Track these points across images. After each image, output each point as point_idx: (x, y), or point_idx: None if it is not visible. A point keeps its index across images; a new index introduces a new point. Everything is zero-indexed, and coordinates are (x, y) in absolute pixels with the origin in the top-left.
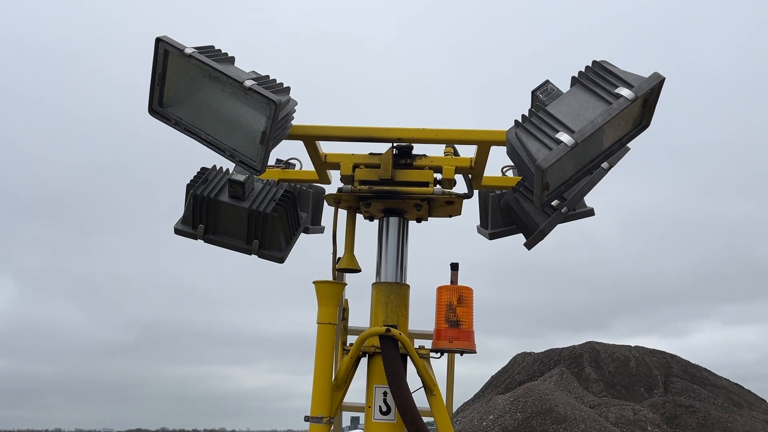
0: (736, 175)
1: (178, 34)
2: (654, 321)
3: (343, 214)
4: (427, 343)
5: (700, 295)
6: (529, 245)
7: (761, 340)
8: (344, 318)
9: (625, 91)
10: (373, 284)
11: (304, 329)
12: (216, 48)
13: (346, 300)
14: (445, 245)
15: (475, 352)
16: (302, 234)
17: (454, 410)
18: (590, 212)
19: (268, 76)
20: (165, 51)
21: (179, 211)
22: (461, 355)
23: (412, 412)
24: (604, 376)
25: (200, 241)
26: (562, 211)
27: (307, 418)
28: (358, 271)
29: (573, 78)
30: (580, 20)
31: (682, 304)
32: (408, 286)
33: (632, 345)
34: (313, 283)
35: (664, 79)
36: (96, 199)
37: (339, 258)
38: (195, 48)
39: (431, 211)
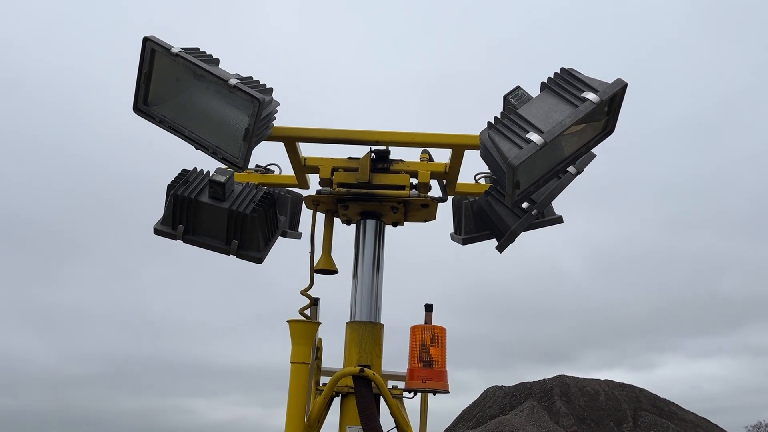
0: (699, 210)
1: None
2: (621, 354)
3: (321, 217)
4: (401, 383)
5: (666, 328)
6: (500, 248)
7: (726, 374)
8: (318, 357)
9: (590, 95)
10: (347, 323)
11: (273, 362)
12: (201, 50)
13: (320, 339)
14: (417, 278)
15: (447, 392)
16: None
17: None
18: (559, 219)
19: (251, 77)
20: (152, 50)
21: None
22: (434, 395)
23: None
24: (574, 410)
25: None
26: (533, 213)
27: None
28: (335, 272)
29: (542, 83)
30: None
31: (648, 337)
32: (382, 325)
33: (602, 379)
34: (288, 322)
35: (626, 84)
36: (59, 227)
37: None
38: (182, 48)
39: (407, 215)
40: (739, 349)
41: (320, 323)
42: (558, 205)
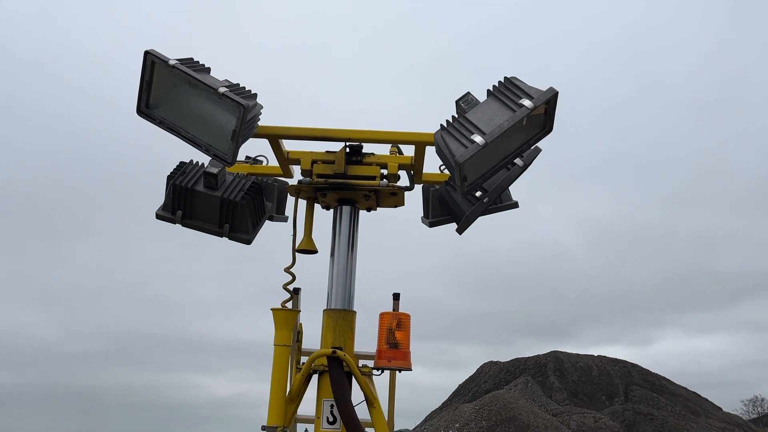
0: (699, 187)
1: (155, 38)
2: (618, 329)
3: (302, 203)
4: (371, 362)
5: (664, 304)
6: (459, 230)
7: (724, 349)
8: (298, 340)
9: (526, 102)
10: (324, 311)
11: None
12: (195, 60)
13: (301, 324)
14: (421, 254)
15: (410, 369)
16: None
17: (422, 419)
18: (515, 205)
19: (238, 84)
20: (152, 62)
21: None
22: (399, 372)
23: (354, 422)
24: (567, 384)
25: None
26: (484, 200)
27: (263, 428)
28: (315, 252)
29: (488, 90)
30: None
31: (645, 313)
32: (354, 312)
33: (595, 354)
34: (271, 310)
35: (557, 92)
36: (61, 204)
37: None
38: (177, 60)
39: (378, 202)
40: (738, 324)
41: (299, 311)
42: (560, 181)
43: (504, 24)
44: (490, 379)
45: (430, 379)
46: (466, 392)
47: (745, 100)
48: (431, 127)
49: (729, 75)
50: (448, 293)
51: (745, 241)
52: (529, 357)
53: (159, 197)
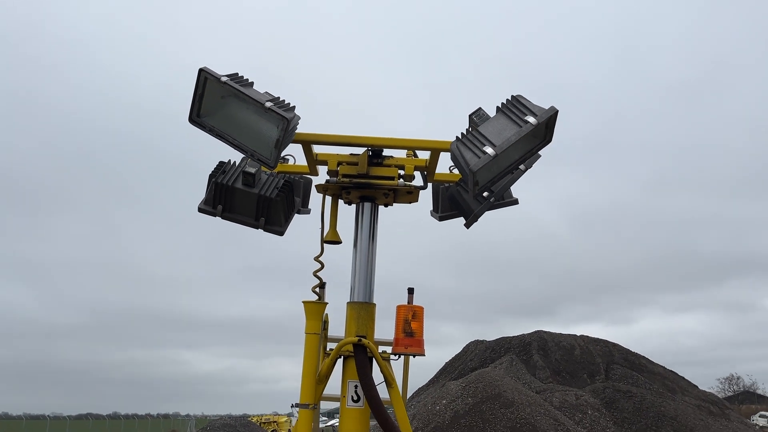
0: (680, 172)
1: (150, 22)
2: (601, 309)
3: (328, 200)
4: (389, 348)
5: (645, 285)
6: (467, 225)
7: (700, 328)
8: (325, 329)
9: (531, 119)
10: (347, 303)
11: (259, 314)
12: (240, 75)
13: (327, 314)
14: (417, 237)
15: (424, 355)
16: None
17: (410, 395)
18: (515, 201)
19: (279, 97)
20: (205, 78)
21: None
22: (414, 357)
23: (376, 400)
24: (550, 363)
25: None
26: (491, 200)
27: (296, 405)
28: (340, 242)
29: (497, 107)
30: (537, 24)
31: (626, 293)
32: (374, 304)
33: (578, 334)
34: (302, 302)
35: (557, 111)
36: (46, 180)
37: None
38: (227, 75)
39: (396, 199)
40: (715, 304)
41: (327, 303)
42: (544, 164)
43: (488, 7)
44: (476, 357)
45: (417, 360)
46: (452, 370)
47: (726, 87)
48: (441, 133)
49: (712, 62)
50: (433, 273)
51: (724, 224)
52: (514, 336)
53: (144, 175)
